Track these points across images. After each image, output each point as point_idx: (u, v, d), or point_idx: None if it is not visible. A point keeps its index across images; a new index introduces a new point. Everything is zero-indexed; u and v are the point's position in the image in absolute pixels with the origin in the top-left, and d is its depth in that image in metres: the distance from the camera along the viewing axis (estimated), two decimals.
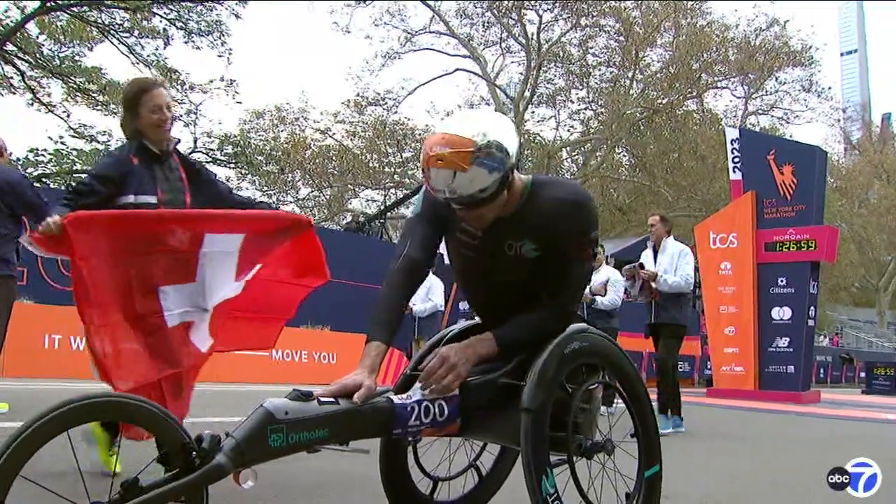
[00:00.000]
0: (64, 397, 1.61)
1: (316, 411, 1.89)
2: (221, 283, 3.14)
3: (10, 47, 21.72)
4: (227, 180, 27.87)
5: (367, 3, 29.50)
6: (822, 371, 27.87)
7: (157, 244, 2.98)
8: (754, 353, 13.65)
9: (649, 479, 2.39)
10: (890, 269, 46.16)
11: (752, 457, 5.72)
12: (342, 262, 10.22)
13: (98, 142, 24.51)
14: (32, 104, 23.49)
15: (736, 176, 14.49)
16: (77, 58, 23.72)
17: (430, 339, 2.52)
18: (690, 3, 29.21)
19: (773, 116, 33.19)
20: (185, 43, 23.93)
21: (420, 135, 30.68)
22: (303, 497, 3.17)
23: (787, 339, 13.52)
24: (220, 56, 24.50)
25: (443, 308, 9.05)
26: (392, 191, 32.32)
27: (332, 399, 1.95)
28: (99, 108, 24.20)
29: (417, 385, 2.14)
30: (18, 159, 23.39)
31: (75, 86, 23.39)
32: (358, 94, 31.09)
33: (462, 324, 2.57)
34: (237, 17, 24.31)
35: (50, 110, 23.70)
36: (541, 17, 29.30)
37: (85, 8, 22.11)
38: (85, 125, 24.44)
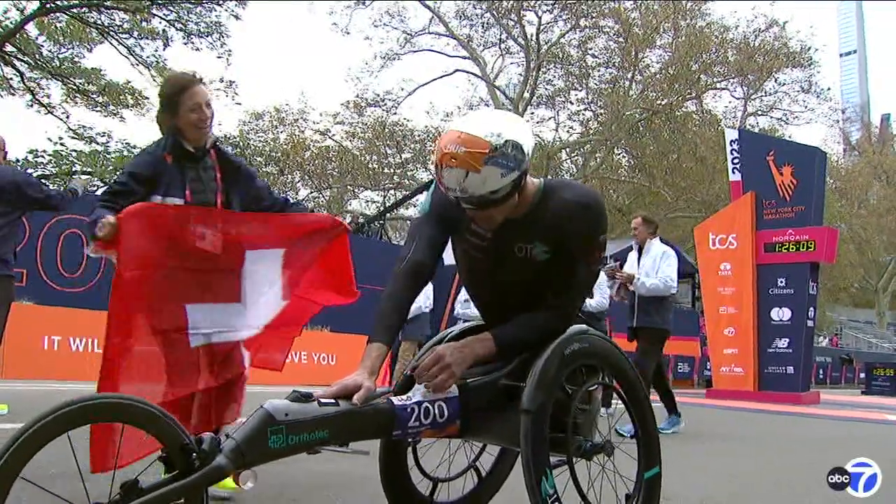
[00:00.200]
0: (63, 399, 1.61)
1: (316, 412, 1.89)
2: (269, 299, 3.10)
3: (9, 48, 21.72)
4: None
5: (367, 4, 29.52)
6: (821, 372, 27.87)
7: (195, 257, 2.95)
8: (754, 354, 13.67)
9: (649, 480, 2.38)
10: (889, 270, 46.16)
11: (752, 458, 5.72)
12: None
13: (97, 143, 24.51)
14: (32, 105, 23.50)
15: (735, 177, 14.51)
16: (76, 59, 23.74)
17: (432, 339, 2.52)
18: (690, 4, 29.21)
19: (772, 117, 33.21)
20: (185, 44, 23.94)
21: (419, 136, 30.71)
22: (303, 498, 3.17)
23: (787, 340, 13.54)
24: (219, 57, 24.50)
25: (427, 310, 8.95)
26: (391, 192, 32.31)
27: (332, 400, 1.95)
28: (98, 109, 24.21)
29: (417, 386, 2.14)
30: (18, 160, 23.37)
31: (74, 87, 23.39)
32: (357, 96, 31.12)
33: (462, 325, 2.57)
34: (236, 18, 24.31)
35: (49, 111, 23.70)
36: (540, 18, 29.33)
37: (84, 9, 22.11)
38: (84, 126, 24.46)
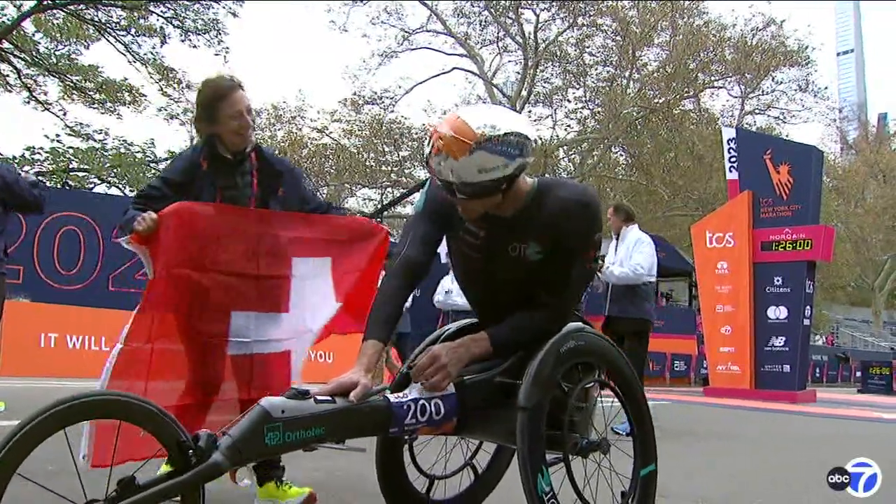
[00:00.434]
0: (60, 396, 1.61)
1: (312, 410, 1.89)
2: (320, 307, 3.04)
3: (6, 45, 21.69)
4: None
5: (364, 2, 29.47)
6: (817, 370, 27.91)
7: (237, 261, 2.91)
8: (750, 353, 13.68)
9: (645, 477, 2.39)
10: (886, 269, 46.16)
11: (749, 456, 5.73)
12: None
13: (94, 140, 24.46)
14: (29, 102, 23.46)
15: (732, 175, 14.51)
16: (73, 56, 23.66)
17: (428, 337, 2.53)
18: (687, 2, 29.20)
19: (769, 116, 33.22)
20: (182, 41, 23.90)
21: (417, 134, 30.66)
22: None
23: (784, 339, 13.55)
24: (216, 54, 24.45)
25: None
26: (389, 190, 32.30)
27: (328, 397, 1.95)
28: (95, 106, 24.16)
29: (414, 384, 2.14)
30: (14, 157, 23.34)
31: (71, 84, 23.35)
32: (355, 93, 31.04)
33: (459, 322, 2.57)
34: (234, 15, 24.29)
35: (46, 108, 23.65)
36: (538, 16, 29.31)
37: (81, 6, 22.07)
38: (81, 123, 24.39)
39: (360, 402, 1.98)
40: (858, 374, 25.52)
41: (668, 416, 8.15)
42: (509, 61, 32.06)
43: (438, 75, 31.54)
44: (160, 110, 25.24)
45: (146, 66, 23.75)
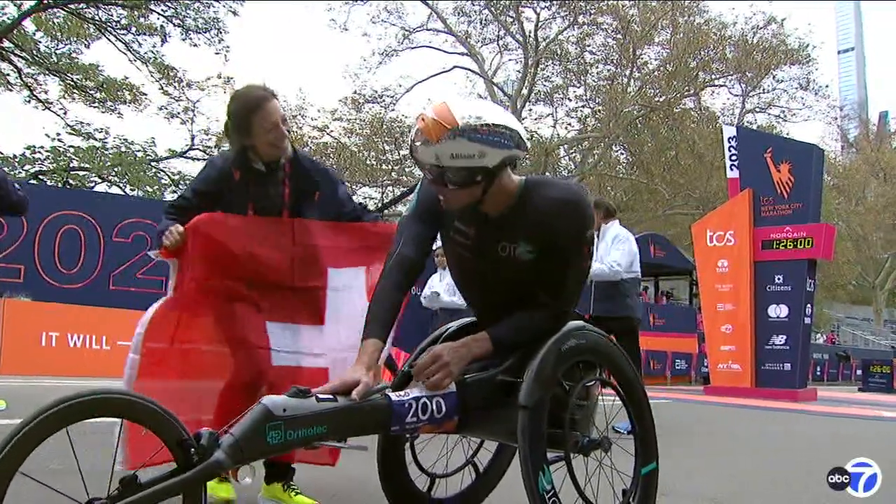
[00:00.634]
0: (61, 394, 1.61)
1: (314, 408, 1.90)
2: (354, 323, 2.88)
3: (6, 44, 21.71)
4: None
5: (365, 0, 29.47)
6: (818, 369, 27.88)
7: (270, 272, 2.87)
8: (751, 351, 13.67)
9: (646, 475, 2.39)
10: (887, 267, 46.15)
11: (749, 454, 5.73)
12: None
13: (95, 139, 24.47)
14: (29, 101, 23.48)
15: (733, 174, 14.49)
16: (74, 55, 23.70)
17: (429, 337, 2.53)
18: (688, 1, 29.21)
19: (770, 114, 33.23)
20: (183, 40, 23.92)
21: None
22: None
23: (784, 337, 13.54)
24: (217, 53, 24.51)
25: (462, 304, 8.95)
26: (389, 188, 32.30)
27: (330, 396, 1.95)
28: (96, 105, 24.19)
29: (415, 382, 2.15)
30: (15, 156, 23.35)
31: (72, 83, 23.38)
32: (355, 92, 31.03)
33: (459, 321, 2.57)
34: (234, 14, 24.32)
35: (47, 107, 23.67)
36: (538, 14, 29.29)
37: (82, 5, 22.08)
38: (82, 122, 24.41)
39: (362, 401, 1.98)
40: (859, 372, 25.49)
41: (669, 414, 8.15)
42: (510, 60, 32.09)
43: (439, 74, 31.53)
44: (161, 109, 25.29)
45: (147, 65, 23.77)
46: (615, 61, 30.00)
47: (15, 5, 21.20)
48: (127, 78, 24.57)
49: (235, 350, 2.82)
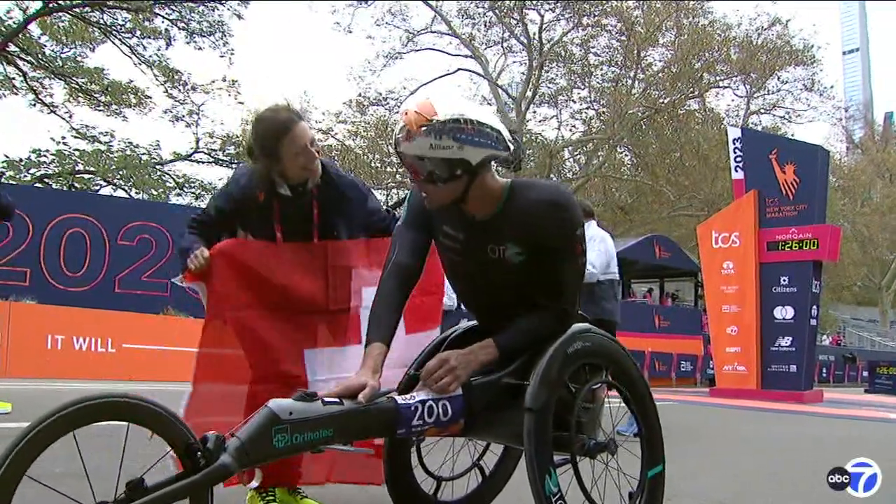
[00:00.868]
0: (66, 398, 1.61)
1: (320, 411, 1.90)
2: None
3: (12, 48, 21.78)
4: None
5: (369, 3, 29.50)
6: (824, 370, 27.85)
7: (301, 299, 2.81)
8: (757, 353, 13.66)
9: (652, 478, 2.39)
10: (893, 268, 46.06)
11: (755, 456, 5.72)
12: None
13: (100, 142, 24.54)
14: (35, 105, 23.55)
15: (738, 175, 14.49)
16: (79, 58, 23.79)
17: (433, 341, 2.53)
18: (692, 2, 29.18)
19: (774, 115, 33.15)
20: (187, 43, 23.99)
21: None
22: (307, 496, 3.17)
23: (790, 339, 13.53)
24: (221, 56, 24.57)
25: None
26: (394, 190, 32.32)
27: (336, 399, 1.95)
28: (101, 108, 24.25)
29: (421, 385, 2.15)
30: (20, 159, 23.43)
31: (77, 86, 23.44)
32: (360, 94, 31.05)
33: (464, 325, 2.57)
34: (239, 17, 24.37)
35: (52, 111, 23.75)
36: (542, 16, 29.27)
37: (87, 9, 22.14)
38: (87, 125, 24.51)
39: (368, 404, 1.98)
40: (865, 374, 25.46)
41: (675, 416, 8.14)
42: (514, 62, 32.10)
43: (443, 76, 31.53)
44: (165, 112, 25.35)
45: (151, 69, 23.83)
46: (619, 63, 29.97)
47: (20, 9, 21.29)
48: (132, 81, 24.66)
49: (267, 383, 2.70)
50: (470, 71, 31.79)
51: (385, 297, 2.25)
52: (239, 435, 1.79)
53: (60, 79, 23.18)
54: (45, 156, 23.94)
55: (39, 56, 22.66)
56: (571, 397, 2.22)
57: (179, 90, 24.64)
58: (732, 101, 33.38)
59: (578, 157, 34.22)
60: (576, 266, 2.26)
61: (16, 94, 23.11)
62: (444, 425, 2.12)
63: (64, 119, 24.01)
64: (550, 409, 2.12)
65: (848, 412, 11.44)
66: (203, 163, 27.17)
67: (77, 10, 22.04)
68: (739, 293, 13.93)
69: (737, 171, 14.53)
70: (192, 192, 27.31)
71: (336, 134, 31.22)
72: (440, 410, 2.10)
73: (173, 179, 26.97)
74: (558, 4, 28.65)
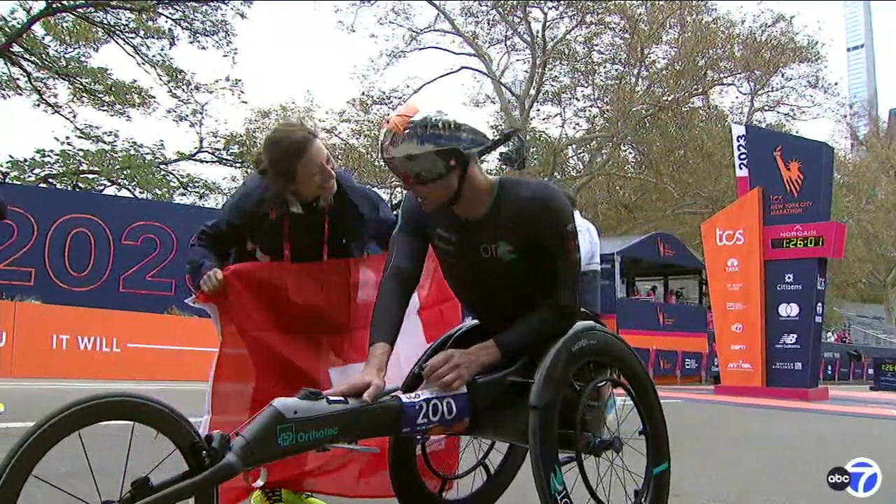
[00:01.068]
0: (71, 398, 1.61)
1: (325, 410, 1.90)
2: (411, 353, 2.73)
3: (16, 48, 21.83)
4: (233, 180, 27.94)
5: (372, 2, 29.51)
6: (829, 368, 27.78)
7: (321, 318, 2.79)
8: (761, 350, 13.63)
9: (658, 476, 2.39)
10: None
11: (760, 454, 5.71)
12: None
13: (104, 142, 24.60)
14: (39, 105, 23.63)
15: (742, 172, 14.45)
16: (83, 58, 23.86)
17: (437, 340, 2.53)
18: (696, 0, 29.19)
19: (779, 112, 33.14)
20: (191, 43, 24.06)
21: None
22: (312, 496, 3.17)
23: (795, 336, 13.50)
24: (225, 56, 24.63)
25: None
26: (398, 189, 32.33)
27: (340, 398, 1.96)
28: (105, 108, 24.31)
29: (425, 383, 2.15)
30: (25, 160, 23.50)
31: (81, 86, 23.49)
32: (363, 93, 31.11)
33: (468, 323, 2.56)
34: (242, 16, 24.44)
35: (56, 111, 23.81)
36: (546, 14, 29.27)
37: (90, 9, 22.18)
38: (91, 125, 24.61)
39: (373, 403, 1.98)
40: (871, 371, 25.40)
41: (680, 414, 8.13)
42: (517, 60, 32.08)
43: (447, 75, 31.53)
44: (169, 112, 25.40)
45: (155, 68, 23.88)
46: (623, 60, 29.97)
47: (24, 9, 21.33)
48: (135, 81, 24.73)
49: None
50: (473, 69, 31.81)
51: (385, 298, 2.26)
52: (244, 434, 1.79)
53: (64, 79, 23.23)
54: (49, 156, 24.04)
55: (43, 56, 22.70)
56: (576, 395, 2.22)
57: (183, 90, 24.70)
58: (736, 98, 33.44)
59: (582, 154, 34.23)
60: (569, 262, 2.25)
61: (20, 94, 23.19)
62: (448, 424, 2.12)
63: (68, 119, 24.11)
64: (555, 407, 2.12)
65: (853, 409, 11.41)
66: (207, 162, 27.27)
67: (80, 10, 22.08)
68: (744, 290, 13.89)
69: (741, 168, 14.49)
70: (196, 192, 27.40)
71: (340, 133, 31.27)
72: (445, 409, 2.10)
73: (177, 179, 27.05)
74: (561, 2, 28.65)
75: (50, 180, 23.72)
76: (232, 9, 23.95)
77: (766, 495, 3.90)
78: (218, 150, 27.04)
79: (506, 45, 31.23)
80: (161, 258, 13.41)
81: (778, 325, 13.62)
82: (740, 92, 32.49)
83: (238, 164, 27.26)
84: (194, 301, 2.69)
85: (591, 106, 31.68)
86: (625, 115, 28.22)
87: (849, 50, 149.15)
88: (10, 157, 23.55)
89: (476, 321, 2.54)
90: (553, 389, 2.12)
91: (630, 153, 33.84)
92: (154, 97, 24.94)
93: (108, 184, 25.43)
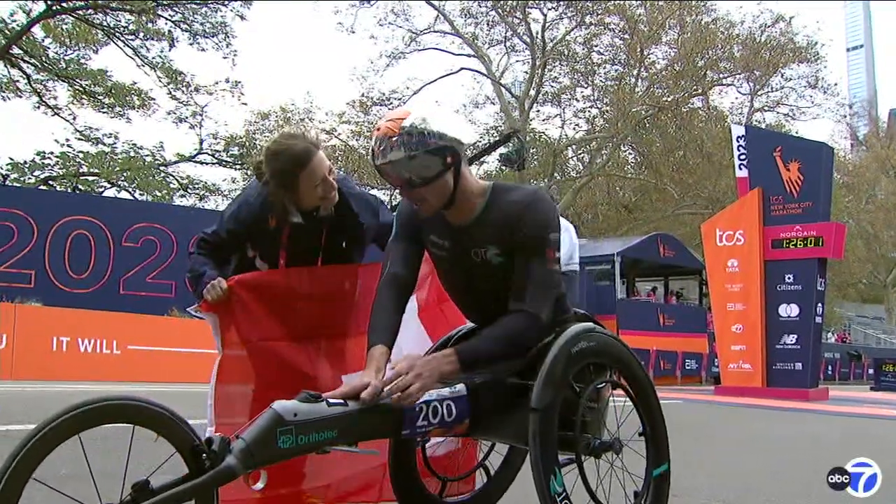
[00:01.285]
0: (72, 400, 1.62)
1: (325, 412, 1.90)
2: (416, 346, 2.70)
3: (15, 51, 21.83)
4: (233, 182, 27.95)
5: (372, 3, 29.51)
6: (829, 368, 27.78)
7: (327, 324, 2.78)
8: (762, 351, 13.64)
9: (657, 477, 2.39)
10: None
11: (760, 454, 5.71)
12: None
13: (104, 144, 24.61)
14: (38, 107, 23.63)
15: (742, 173, 14.47)
16: (82, 60, 23.85)
17: (434, 344, 2.54)
18: (695, 0, 29.16)
19: (778, 113, 33.15)
20: (191, 45, 24.04)
21: None
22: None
23: (795, 337, 13.51)
24: (225, 57, 24.60)
25: None
26: (397, 191, 32.31)
27: (340, 400, 1.96)
28: (105, 110, 24.32)
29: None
30: (25, 162, 23.52)
31: (81, 88, 23.50)
32: (363, 95, 31.05)
33: (467, 326, 2.56)
34: (242, 18, 24.39)
35: (56, 113, 23.81)
36: (545, 15, 29.25)
37: (90, 11, 22.19)
38: (91, 127, 24.60)
39: (373, 405, 1.98)
40: (871, 371, 25.40)
41: (680, 415, 8.13)
42: (517, 61, 32.07)
43: (446, 76, 31.52)
44: (169, 114, 25.41)
45: (155, 70, 23.88)
46: (623, 61, 29.96)
47: (24, 11, 21.34)
48: (135, 83, 24.74)
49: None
50: (473, 70, 31.79)
51: (381, 304, 2.27)
52: (244, 437, 1.80)
53: (64, 81, 23.24)
54: (49, 158, 24.05)
55: (43, 58, 22.71)
56: (576, 397, 2.22)
57: (183, 91, 24.70)
58: (736, 98, 33.44)
59: (582, 155, 34.22)
60: (544, 267, 2.19)
61: (20, 96, 23.18)
62: (449, 426, 2.13)
63: (68, 121, 24.11)
64: (555, 409, 2.12)
65: (853, 410, 11.41)
66: (207, 164, 27.27)
67: (80, 12, 22.07)
68: (744, 291, 13.91)
69: (741, 168, 14.50)
70: (197, 194, 27.41)
71: (339, 134, 31.23)
72: (445, 411, 2.10)
73: (177, 181, 27.05)
74: (561, 3, 28.64)
75: (50, 182, 23.73)
76: (231, 10, 23.97)
77: (766, 495, 3.90)
78: (218, 151, 27.05)
79: (505, 46, 31.24)
80: (161, 260, 13.42)
81: (778, 325, 13.63)
82: (740, 92, 32.54)
83: (238, 166, 27.28)
84: (196, 310, 2.68)
85: (590, 107, 31.68)
86: (624, 116, 28.20)
87: (848, 50, 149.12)
88: (10, 159, 23.62)
89: (473, 325, 2.55)
90: (553, 391, 2.12)
91: (630, 154, 33.84)
92: (154, 99, 24.97)
93: (108, 186, 25.44)
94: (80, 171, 24.49)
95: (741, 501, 3.78)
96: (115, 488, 1.65)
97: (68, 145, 24.12)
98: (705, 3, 29.45)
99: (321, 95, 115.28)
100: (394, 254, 2.36)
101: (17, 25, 21.48)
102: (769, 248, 13.79)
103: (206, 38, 23.92)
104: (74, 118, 24.17)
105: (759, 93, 32.38)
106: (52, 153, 24.01)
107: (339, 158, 30.54)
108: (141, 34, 23.48)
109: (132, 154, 25.12)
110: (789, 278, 13.58)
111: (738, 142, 14.64)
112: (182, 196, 26.94)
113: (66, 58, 23.50)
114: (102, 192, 25.05)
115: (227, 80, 25.30)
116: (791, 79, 31.11)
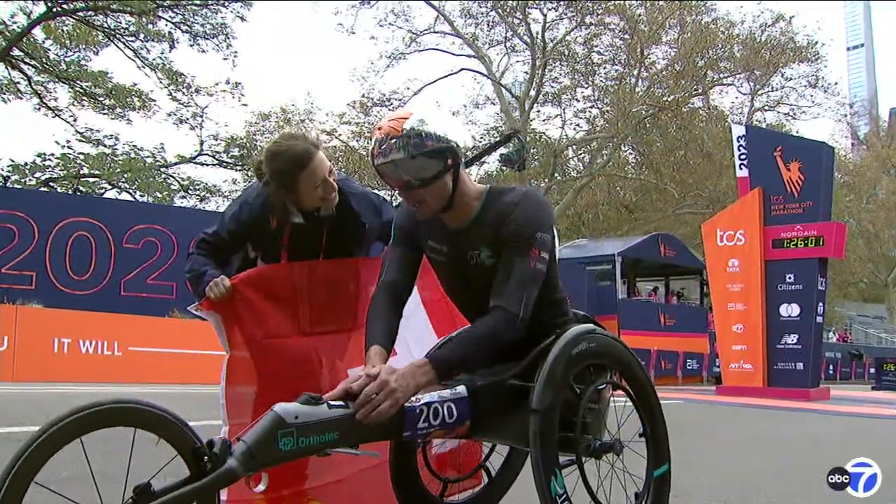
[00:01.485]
0: (73, 402, 1.62)
1: (326, 415, 1.90)
2: (423, 341, 2.74)
3: (16, 52, 21.85)
4: (234, 183, 27.96)
5: (372, 3, 29.51)
6: (831, 368, 27.76)
7: (331, 318, 2.77)
8: (763, 351, 13.64)
9: (658, 478, 2.39)
10: None
11: (762, 454, 5.71)
12: None
13: (105, 145, 24.64)
14: (39, 109, 23.65)
15: (742, 173, 14.47)
16: (83, 62, 23.88)
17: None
18: (695, 0, 29.16)
19: (779, 112, 33.14)
20: (191, 46, 24.06)
21: None
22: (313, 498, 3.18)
23: (796, 336, 13.51)
24: (225, 59, 24.63)
25: None
26: (396, 192, 32.32)
27: (341, 402, 1.96)
28: (105, 111, 24.34)
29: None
30: (26, 163, 23.53)
31: (81, 90, 23.53)
32: (363, 95, 31.03)
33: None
34: (242, 19, 24.42)
35: (56, 115, 23.83)
36: (545, 15, 29.24)
37: (90, 13, 22.20)
38: (91, 129, 24.63)
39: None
40: (872, 370, 25.38)
41: (681, 415, 8.13)
42: (517, 61, 32.05)
43: (447, 76, 31.53)
44: (170, 115, 25.43)
45: (155, 72, 23.90)
46: (623, 61, 29.94)
47: (24, 13, 21.36)
48: (136, 84, 24.76)
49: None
50: (473, 71, 31.78)
51: (376, 308, 2.29)
52: (245, 439, 1.80)
53: (65, 82, 23.27)
54: (49, 160, 24.07)
55: (44, 60, 22.72)
56: (577, 398, 2.22)
57: (183, 93, 24.73)
58: (736, 98, 33.45)
59: (582, 155, 34.21)
60: (525, 266, 2.16)
61: (20, 98, 23.21)
62: (449, 427, 2.13)
63: (68, 123, 24.14)
64: (556, 411, 2.12)
65: (855, 409, 11.41)
66: (207, 165, 27.28)
67: (81, 13, 22.09)
68: (745, 291, 13.91)
69: (741, 168, 14.50)
70: (197, 195, 27.43)
71: (340, 135, 31.22)
72: (445, 412, 2.10)
73: (178, 182, 27.07)
74: (561, 3, 28.62)
75: (51, 184, 23.74)
76: (232, 11, 23.99)
77: (767, 495, 3.90)
78: (218, 152, 27.06)
79: (505, 46, 31.22)
80: (162, 261, 13.41)
81: (779, 325, 13.63)
82: (740, 92, 32.53)
83: (239, 167, 27.30)
84: (197, 308, 2.66)
85: (591, 107, 31.67)
86: (625, 116, 28.18)
87: (849, 49, 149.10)
88: (11, 160, 23.63)
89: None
90: (553, 393, 2.12)
91: (630, 154, 33.84)
92: (154, 100, 24.99)
93: (109, 187, 25.46)
94: (81, 172, 24.51)
95: (742, 501, 3.78)
96: (117, 491, 1.65)
97: (69, 147, 24.19)
98: (705, 3, 29.47)
99: (321, 96, 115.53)
100: (391, 260, 2.38)
101: (18, 27, 21.51)
102: (770, 248, 13.79)
103: (207, 39, 23.96)
104: (75, 120, 24.23)
105: (760, 92, 32.39)
106: (52, 155, 24.06)
107: (340, 159, 30.52)
108: (141, 36, 23.51)
109: (133, 155, 25.15)
110: (790, 278, 13.58)
111: (738, 141, 14.64)
112: (183, 197, 26.99)
113: (67, 59, 23.54)
114: (103, 193, 25.06)
115: (228, 82, 25.38)
116: (791, 78, 31.13)
